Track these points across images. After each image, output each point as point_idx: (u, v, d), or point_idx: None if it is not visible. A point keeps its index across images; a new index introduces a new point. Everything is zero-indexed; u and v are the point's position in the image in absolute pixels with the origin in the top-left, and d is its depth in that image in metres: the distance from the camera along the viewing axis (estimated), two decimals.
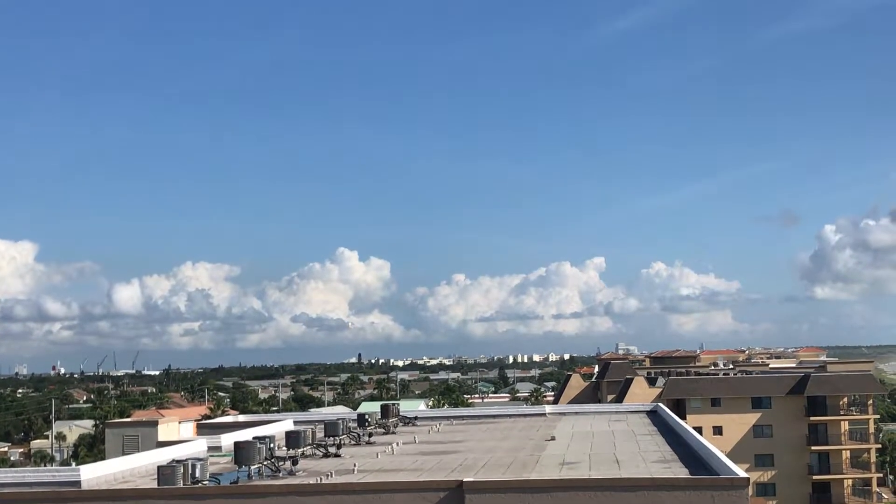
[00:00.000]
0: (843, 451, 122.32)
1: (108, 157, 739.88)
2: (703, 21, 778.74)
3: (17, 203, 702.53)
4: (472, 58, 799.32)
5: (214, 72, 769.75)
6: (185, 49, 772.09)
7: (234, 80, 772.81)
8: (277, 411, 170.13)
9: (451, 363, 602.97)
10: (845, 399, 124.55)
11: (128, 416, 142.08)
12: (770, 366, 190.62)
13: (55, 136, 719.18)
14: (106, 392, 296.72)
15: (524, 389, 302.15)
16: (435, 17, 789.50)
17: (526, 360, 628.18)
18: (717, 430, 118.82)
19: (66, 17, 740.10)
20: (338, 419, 52.09)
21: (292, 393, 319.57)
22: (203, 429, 66.75)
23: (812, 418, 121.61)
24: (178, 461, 35.59)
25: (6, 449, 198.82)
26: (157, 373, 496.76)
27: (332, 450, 46.60)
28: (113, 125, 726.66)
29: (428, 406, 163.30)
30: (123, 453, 51.10)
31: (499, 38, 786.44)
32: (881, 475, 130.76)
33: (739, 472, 31.47)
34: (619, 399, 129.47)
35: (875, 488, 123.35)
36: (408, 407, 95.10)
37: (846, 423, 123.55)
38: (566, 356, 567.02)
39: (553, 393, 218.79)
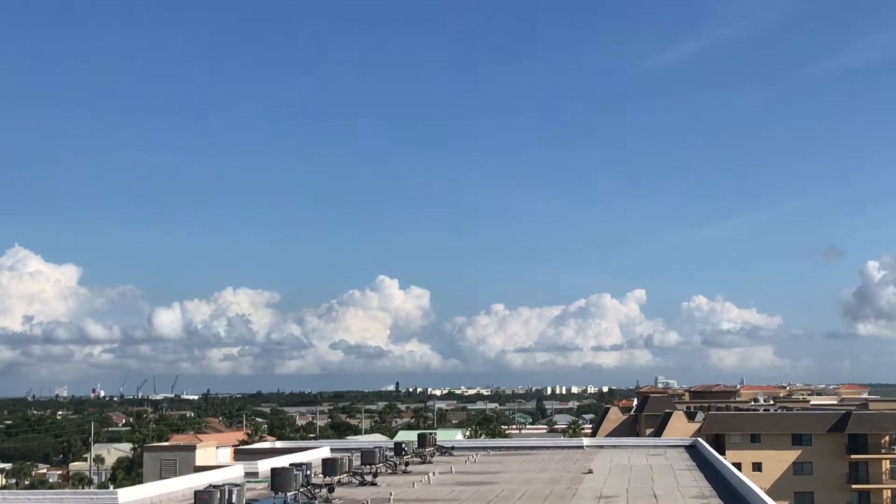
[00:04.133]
0: (885, 491, 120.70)
1: (151, 181, 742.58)
2: (750, 53, 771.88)
3: (62, 226, 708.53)
4: (514, 89, 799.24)
5: (255, 99, 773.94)
6: (225, 76, 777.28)
7: (276, 107, 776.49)
8: (314, 438, 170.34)
9: (489, 393, 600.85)
10: (887, 437, 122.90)
11: (166, 440, 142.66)
12: (811, 402, 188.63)
13: (100, 159, 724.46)
14: (145, 416, 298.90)
15: (562, 421, 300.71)
16: (485, 48, 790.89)
17: (564, 392, 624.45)
18: (757, 467, 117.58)
19: (110, 41, 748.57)
20: (375, 447, 52.12)
21: (329, 420, 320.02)
22: (240, 454, 67.05)
23: (853, 456, 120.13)
24: (214, 486, 35.71)
25: (45, 471, 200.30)
26: (196, 397, 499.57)
27: (369, 478, 46.59)
28: (157, 149, 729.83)
29: (465, 436, 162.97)
30: (161, 477, 51.41)
31: (543, 69, 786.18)
32: None
33: None
34: (658, 433, 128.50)
35: None
36: (445, 436, 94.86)
37: (888, 461, 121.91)
38: (605, 388, 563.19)
39: (591, 425, 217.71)
